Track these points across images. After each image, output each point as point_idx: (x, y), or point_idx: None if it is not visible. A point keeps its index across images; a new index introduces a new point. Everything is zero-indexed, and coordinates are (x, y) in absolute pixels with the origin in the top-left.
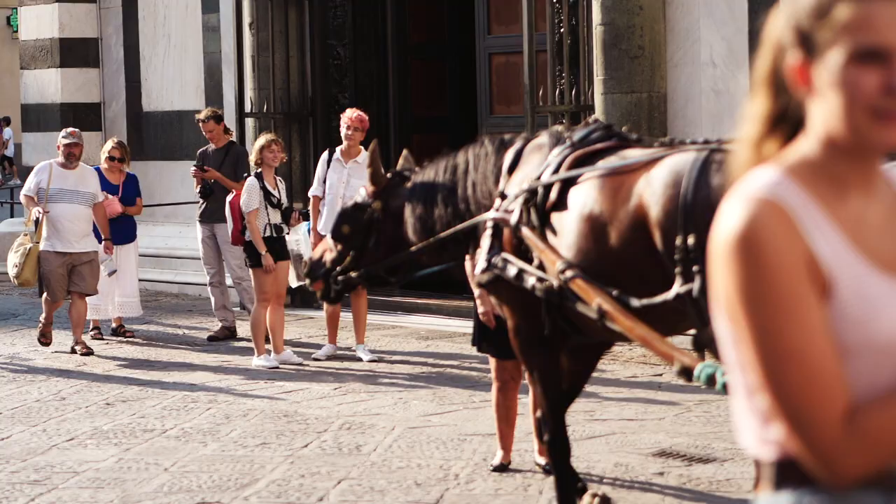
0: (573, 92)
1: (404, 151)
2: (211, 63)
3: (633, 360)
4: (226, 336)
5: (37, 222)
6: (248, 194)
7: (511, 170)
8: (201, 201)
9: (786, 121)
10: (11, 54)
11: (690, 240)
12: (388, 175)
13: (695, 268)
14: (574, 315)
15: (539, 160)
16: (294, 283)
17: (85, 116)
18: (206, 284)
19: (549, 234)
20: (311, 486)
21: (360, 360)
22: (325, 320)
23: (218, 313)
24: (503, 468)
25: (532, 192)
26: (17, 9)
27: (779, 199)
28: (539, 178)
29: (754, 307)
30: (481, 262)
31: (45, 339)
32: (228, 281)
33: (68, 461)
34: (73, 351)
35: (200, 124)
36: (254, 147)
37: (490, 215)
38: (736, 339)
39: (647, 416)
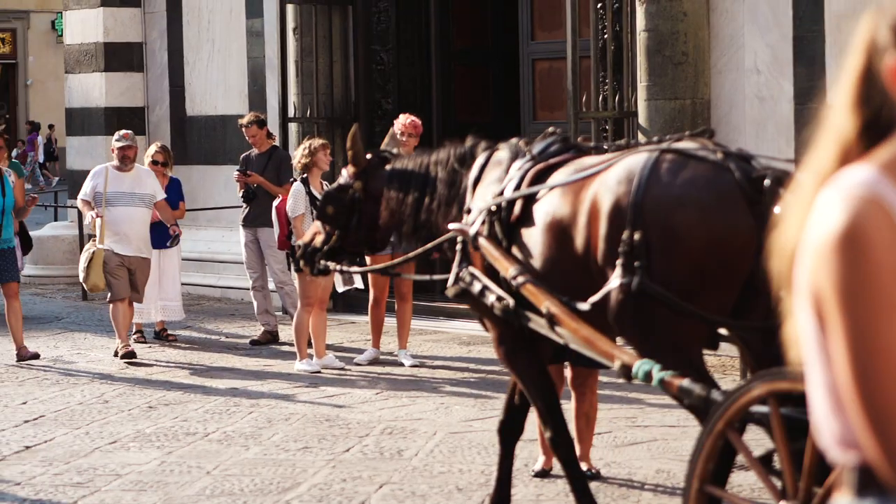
0: (616, 98)
1: (391, 129)
2: (254, 68)
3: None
4: (268, 340)
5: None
6: (295, 199)
7: (475, 184)
8: (244, 205)
9: (878, 124)
10: (56, 58)
11: (637, 235)
12: (369, 156)
13: (636, 263)
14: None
15: (500, 174)
16: (340, 288)
17: (129, 121)
18: (248, 288)
19: (516, 249)
20: (353, 490)
21: (401, 365)
22: (366, 325)
23: (260, 317)
24: (545, 474)
25: (496, 207)
26: (62, 13)
27: (880, 197)
28: (502, 192)
29: (853, 305)
30: (451, 275)
31: (127, 352)
32: (271, 285)
33: (111, 464)
34: (116, 353)
35: (243, 129)
36: (302, 150)
37: (452, 226)
38: (825, 335)
39: (690, 422)
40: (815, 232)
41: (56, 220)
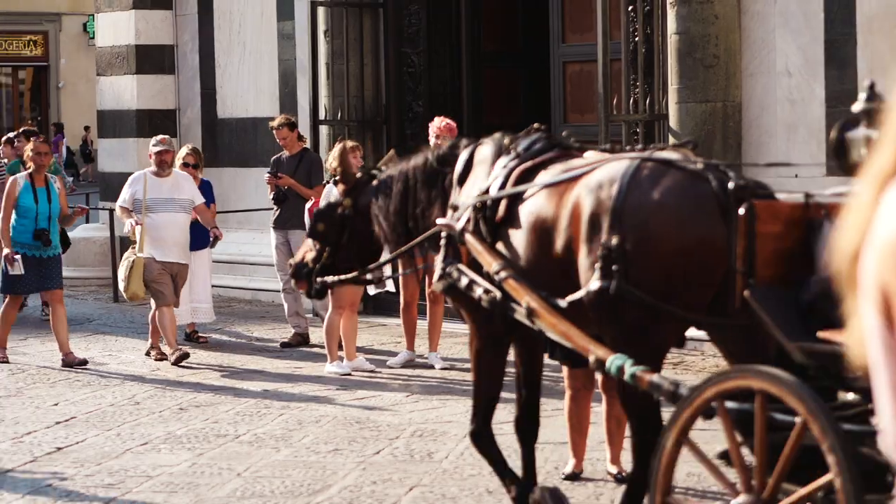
0: (647, 101)
1: (391, 151)
2: (286, 70)
3: (706, 370)
4: (298, 342)
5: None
6: (327, 201)
7: (461, 180)
8: (275, 208)
9: None
10: (88, 61)
11: (615, 239)
12: (358, 175)
13: (614, 267)
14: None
15: (486, 171)
16: (372, 291)
17: (160, 123)
18: (279, 291)
19: (500, 246)
20: (383, 492)
21: (432, 367)
22: (396, 328)
23: (291, 320)
24: (575, 476)
25: (482, 205)
26: (93, 16)
27: None
28: (487, 190)
29: None
30: (437, 270)
31: (181, 358)
32: None
33: (142, 465)
34: (148, 354)
35: (274, 131)
36: (333, 153)
37: (439, 222)
38: (892, 335)
39: (719, 426)
40: (882, 232)
41: (87, 221)
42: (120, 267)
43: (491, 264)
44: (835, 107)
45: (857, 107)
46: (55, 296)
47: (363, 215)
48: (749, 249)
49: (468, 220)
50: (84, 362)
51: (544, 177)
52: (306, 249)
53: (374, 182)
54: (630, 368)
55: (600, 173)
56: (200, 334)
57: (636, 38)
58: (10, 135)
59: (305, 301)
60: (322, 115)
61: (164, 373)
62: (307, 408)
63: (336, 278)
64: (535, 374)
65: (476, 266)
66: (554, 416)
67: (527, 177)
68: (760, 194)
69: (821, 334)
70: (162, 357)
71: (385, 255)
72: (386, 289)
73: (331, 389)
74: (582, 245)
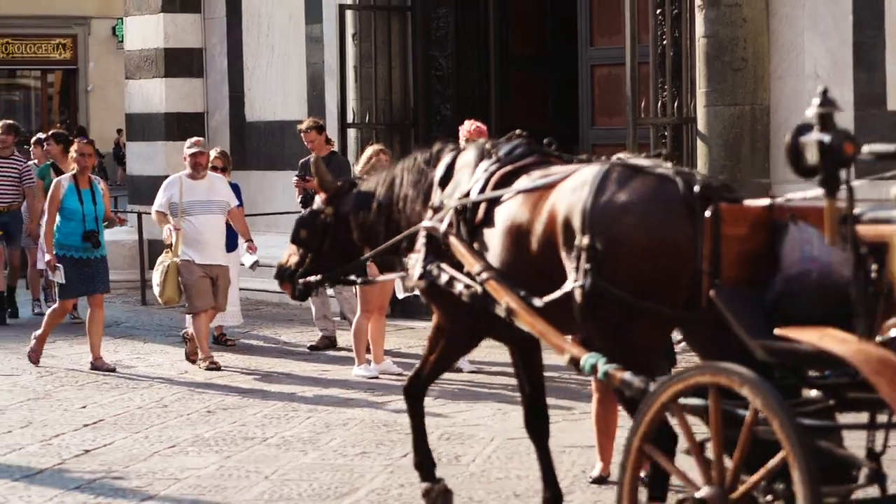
0: (675, 104)
1: (369, 155)
2: (314, 73)
3: None
4: (326, 346)
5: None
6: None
7: (443, 182)
8: (303, 211)
9: None
10: (116, 64)
11: (587, 241)
12: (339, 183)
13: (587, 266)
14: (495, 318)
15: (468, 175)
16: (401, 295)
17: (188, 126)
18: None
19: (478, 247)
20: (411, 495)
21: (459, 370)
22: (425, 331)
23: (318, 323)
24: (602, 480)
25: (462, 207)
26: (122, 19)
27: None
28: (468, 193)
29: None
30: (417, 268)
31: (212, 365)
32: (329, 291)
33: (170, 468)
34: (210, 366)
35: (302, 134)
36: (362, 158)
37: (424, 224)
38: None
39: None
40: None
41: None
42: (154, 271)
43: (473, 265)
44: (863, 110)
45: (810, 112)
46: (97, 300)
47: (344, 223)
48: (715, 251)
49: (450, 223)
50: (112, 369)
51: (522, 181)
52: (289, 253)
53: (355, 190)
54: (603, 367)
55: (573, 178)
56: (228, 337)
57: (664, 42)
58: (40, 135)
59: (333, 304)
60: (350, 119)
61: (192, 376)
62: (335, 411)
63: (317, 278)
64: (537, 374)
65: (453, 266)
66: (582, 420)
67: (506, 181)
68: (727, 197)
69: (777, 331)
70: (215, 366)
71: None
72: (415, 292)
73: (358, 392)
74: (556, 247)
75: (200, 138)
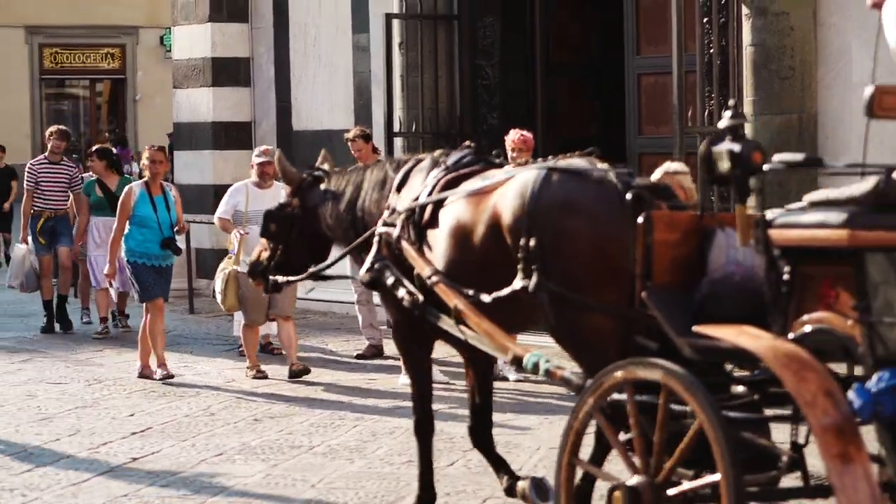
0: (722, 113)
1: (323, 151)
2: (360, 82)
3: None
4: (373, 354)
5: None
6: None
7: (400, 188)
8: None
9: None
10: (164, 73)
11: (532, 242)
12: (304, 175)
13: (533, 266)
14: (436, 329)
15: (420, 181)
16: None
17: (236, 135)
18: (353, 302)
19: (426, 248)
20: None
21: (506, 379)
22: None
23: (365, 331)
24: None
25: (412, 211)
26: (170, 29)
27: None
28: (417, 198)
29: None
30: (366, 263)
31: (259, 374)
32: (376, 299)
33: (217, 476)
34: (293, 375)
35: (349, 143)
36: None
37: (379, 229)
38: None
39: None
40: None
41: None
42: (216, 278)
43: (423, 269)
44: None
45: (722, 123)
46: (158, 305)
47: (311, 214)
48: (646, 255)
49: (402, 228)
50: (168, 376)
51: (463, 187)
52: (261, 248)
53: (323, 185)
54: (544, 365)
55: (514, 182)
56: (275, 346)
57: (711, 50)
58: (94, 148)
59: (380, 312)
60: (396, 128)
61: (240, 384)
62: (381, 419)
63: (286, 279)
64: (488, 383)
65: (404, 267)
66: None
67: (451, 187)
68: (659, 203)
69: (696, 328)
70: (304, 369)
71: (334, 253)
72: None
73: (405, 401)
74: (500, 248)
75: (269, 147)
